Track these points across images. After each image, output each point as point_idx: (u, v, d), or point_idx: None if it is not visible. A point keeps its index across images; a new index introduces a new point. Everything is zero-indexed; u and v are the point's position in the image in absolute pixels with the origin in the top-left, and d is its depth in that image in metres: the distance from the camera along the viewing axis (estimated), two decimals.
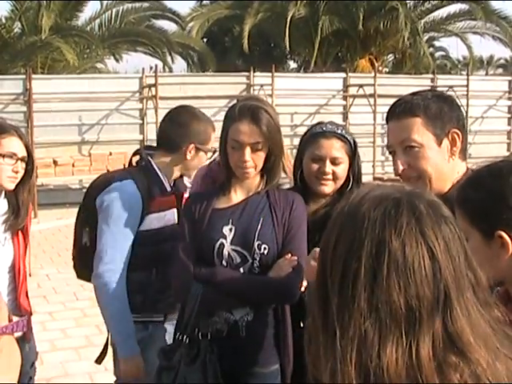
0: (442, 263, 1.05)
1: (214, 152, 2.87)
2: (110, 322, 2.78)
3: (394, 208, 1.08)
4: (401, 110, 2.02)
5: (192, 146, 2.83)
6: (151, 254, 2.78)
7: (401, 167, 2.00)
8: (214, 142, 2.85)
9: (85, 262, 2.84)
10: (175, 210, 2.86)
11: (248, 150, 2.47)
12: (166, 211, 2.82)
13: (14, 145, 2.72)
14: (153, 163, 2.83)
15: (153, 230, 2.77)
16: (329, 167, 2.63)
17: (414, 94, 2.08)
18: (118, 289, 2.72)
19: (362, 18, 20.29)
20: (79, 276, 3.01)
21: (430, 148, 1.99)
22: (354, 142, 2.72)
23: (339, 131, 2.68)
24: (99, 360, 3.00)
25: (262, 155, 2.49)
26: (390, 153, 2.10)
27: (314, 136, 2.68)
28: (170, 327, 2.83)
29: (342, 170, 2.66)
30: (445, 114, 2.00)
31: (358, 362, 1.03)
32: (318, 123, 2.78)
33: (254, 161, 2.49)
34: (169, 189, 2.84)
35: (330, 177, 2.64)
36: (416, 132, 1.98)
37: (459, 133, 2.03)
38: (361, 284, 1.05)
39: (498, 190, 1.45)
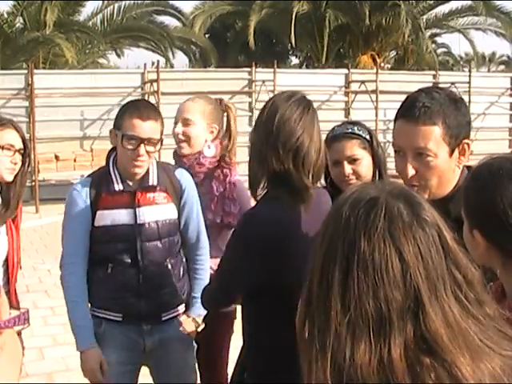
0: (412, 265, 1.05)
1: (121, 138, 2.69)
2: (68, 316, 2.80)
3: (367, 209, 1.09)
4: (420, 114, 1.93)
5: (111, 129, 2.78)
6: (102, 251, 2.78)
7: (411, 172, 1.96)
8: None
9: None
10: (129, 210, 2.77)
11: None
12: (113, 210, 2.76)
13: (12, 137, 2.75)
14: (110, 161, 2.82)
15: (101, 227, 2.76)
16: (347, 168, 2.66)
17: (427, 93, 1.99)
18: (71, 283, 2.77)
19: (368, 13, 20.26)
20: None
21: (442, 158, 1.96)
22: (370, 135, 2.73)
23: (349, 130, 2.70)
24: None
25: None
26: (395, 151, 2.03)
27: (328, 142, 2.73)
28: (126, 329, 2.83)
29: (364, 166, 2.68)
30: (460, 123, 1.97)
31: (333, 361, 1.04)
32: (333, 128, 2.82)
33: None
34: (118, 188, 2.76)
35: (352, 177, 2.66)
36: (433, 142, 1.93)
37: (470, 143, 2.02)
38: (335, 285, 1.06)
39: (478, 193, 1.53)
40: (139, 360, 2.89)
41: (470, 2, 22.23)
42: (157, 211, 2.81)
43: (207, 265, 3.00)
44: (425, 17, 22.52)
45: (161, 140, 2.76)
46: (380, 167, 2.72)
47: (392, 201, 1.10)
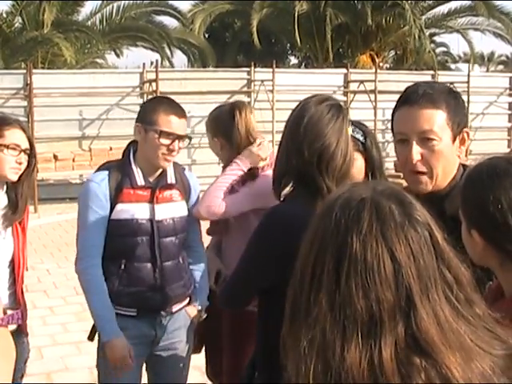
0: (404, 265, 1.05)
1: (158, 134, 2.76)
2: (90, 308, 2.83)
3: (358, 210, 1.08)
4: (424, 99, 1.94)
5: (137, 124, 2.82)
6: (118, 245, 2.81)
7: (416, 157, 1.94)
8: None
9: None
10: (148, 205, 2.83)
11: None
12: (134, 203, 2.80)
13: (18, 137, 2.75)
14: (131, 156, 2.86)
15: (120, 220, 2.79)
16: None
17: (426, 83, 2.01)
18: (91, 275, 2.79)
19: (370, 12, 20.26)
20: None
21: (446, 144, 1.95)
22: (365, 136, 2.70)
23: None
24: (91, 336, 2.99)
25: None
26: (398, 141, 2.02)
27: None
28: (142, 323, 2.88)
29: (356, 167, 2.62)
30: (460, 111, 1.99)
31: (318, 362, 1.03)
32: None
33: None
34: (141, 183, 2.82)
35: None
36: (438, 125, 1.93)
37: (469, 132, 2.03)
38: (324, 286, 1.06)
39: (475, 193, 1.54)
40: (148, 351, 2.96)
41: (469, 2, 22.26)
42: (173, 208, 2.90)
43: (204, 257, 3.13)
44: (424, 17, 22.54)
45: (189, 137, 2.89)
46: (374, 169, 2.69)
47: (383, 201, 1.10)
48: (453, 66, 21.89)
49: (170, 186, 2.90)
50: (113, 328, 2.77)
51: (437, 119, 1.93)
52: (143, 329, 2.88)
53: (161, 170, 2.86)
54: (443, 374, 1.02)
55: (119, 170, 2.82)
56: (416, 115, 1.95)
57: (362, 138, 2.69)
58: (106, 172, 2.81)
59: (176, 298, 2.95)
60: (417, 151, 1.95)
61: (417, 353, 1.03)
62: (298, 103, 2.25)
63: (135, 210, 2.80)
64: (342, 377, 1.02)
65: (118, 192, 2.78)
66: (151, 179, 2.86)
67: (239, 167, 2.99)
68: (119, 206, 2.78)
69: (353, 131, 2.68)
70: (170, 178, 2.90)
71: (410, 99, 1.97)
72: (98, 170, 2.89)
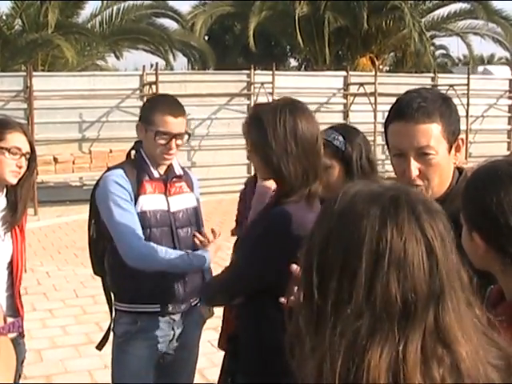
0: (440, 259, 1.08)
1: (154, 133, 2.81)
2: (172, 269, 2.84)
3: (393, 205, 1.10)
4: (418, 114, 1.94)
5: (138, 124, 2.91)
6: (144, 237, 2.82)
7: (415, 173, 1.96)
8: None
9: (94, 253, 2.98)
10: (164, 197, 2.89)
11: None
12: (154, 195, 2.87)
13: (19, 140, 2.76)
14: (142, 152, 2.91)
15: (145, 211, 2.84)
16: None
17: (418, 94, 2.00)
18: (151, 247, 2.77)
19: (365, 16, 20.31)
20: (94, 271, 3.05)
21: (443, 156, 1.97)
22: (345, 143, 2.63)
23: (323, 137, 2.64)
24: (100, 346, 3.05)
25: None
26: (394, 155, 2.02)
27: None
28: (164, 320, 2.91)
29: (333, 175, 2.60)
30: (454, 120, 2.00)
31: (346, 359, 1.04)
32: None
33: None
34: (156, 175, 2.89)
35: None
36: (434, 139, 1.94)
37: (464, 139, 2.05)
38: (360, 281, 1.06)
39: (477, 195, 1.55)
40: (163, 350, 2.98)
41: (468, 6, 22.29)
42: (184, 199, 2.99)
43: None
44: (423, 19, 22.57)
45: (188, 133, 2.94)
46: (353, 178, 2.58)
47: (412, 197, 1.13)
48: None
49: (179, 178, 2.98)
50: (199, 255, 2.84)
51: (433, 133, 1.94)
52: (164, 328, 2.91)
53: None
54: (458, 368, 1.05)
55: (133, 166, 2.88)
56: (413, 131, 1.95)
57: (341, 145, 2.63)
58: (121, 169, 2.86)
59: (195, 289, 2.98)
60: (415, 167, 1.96)
61: (440, 345, 1.06)
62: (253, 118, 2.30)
63: (156, 201, 2.87)
64: (361, 370, 1.03)
65: (138, 184, 2.84)
66: (162, 171, 2.93)
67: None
68: (141, 198, 2.84)
69: (335, 138, 2.64)
70: (178, 170, 2.98)
71: (404, 113, 1.97)
72: (108, 170, 2.91)
